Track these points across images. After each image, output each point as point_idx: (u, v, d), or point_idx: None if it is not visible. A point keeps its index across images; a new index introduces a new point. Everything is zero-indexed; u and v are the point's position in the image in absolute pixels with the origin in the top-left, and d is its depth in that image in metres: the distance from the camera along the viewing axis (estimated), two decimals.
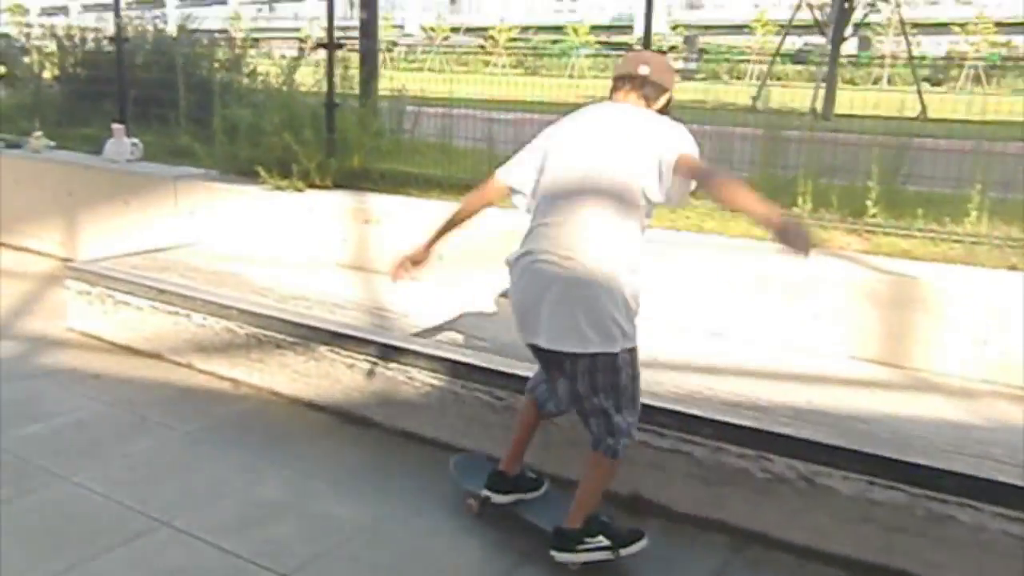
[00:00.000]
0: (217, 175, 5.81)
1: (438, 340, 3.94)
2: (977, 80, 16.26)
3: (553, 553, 2.73)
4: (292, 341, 4.03)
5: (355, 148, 5.57)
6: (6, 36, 17.41)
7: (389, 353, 3.74)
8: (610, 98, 2.80)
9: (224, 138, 5.86)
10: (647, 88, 2.74)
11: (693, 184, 2.65)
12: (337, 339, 3.90)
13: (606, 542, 2.71)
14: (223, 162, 5.86)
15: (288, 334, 4.04)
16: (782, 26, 18.08)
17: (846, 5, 14.89)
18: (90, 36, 9.43)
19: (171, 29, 9.78)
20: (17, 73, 9.31)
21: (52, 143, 6.91)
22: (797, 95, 13.70)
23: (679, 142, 2.61)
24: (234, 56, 8.17)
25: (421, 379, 3.65)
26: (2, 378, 4.17)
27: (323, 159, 5.38)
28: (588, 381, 2.62)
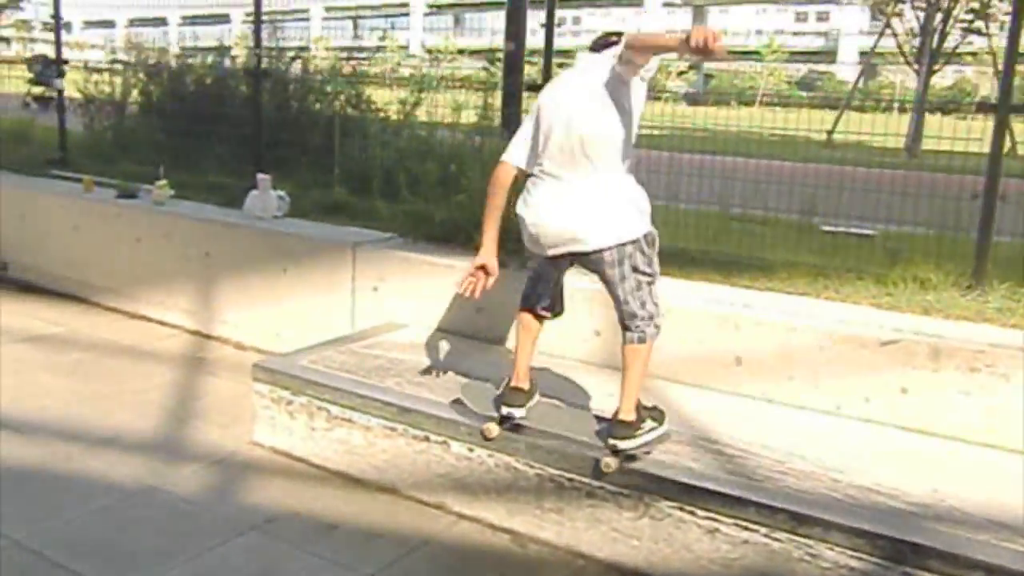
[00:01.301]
0: (403, 241, 4.78)
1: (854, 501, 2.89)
2: None
3: (615, 443, 2.98)
4: (614, 491, 3.02)
5: None
6: (42, 57, 16.43)
7: (782, 519, 2.74)
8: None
9: (408, 195, 4.85)
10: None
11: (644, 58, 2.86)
12: (691, 494, 2.89)
13: (653, 424, 3.09)
14: (407, 224, 4.84)
15: (608, 480, 3.02)
16: (863, 54, 17.18)
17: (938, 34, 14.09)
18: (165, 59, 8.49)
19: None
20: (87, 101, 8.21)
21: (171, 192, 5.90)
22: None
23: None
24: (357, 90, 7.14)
25: (835, 559, 2.64)
26: (207, 533, 3.12)
27: None
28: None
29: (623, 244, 2.99)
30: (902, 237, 4.87)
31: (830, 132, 12.37)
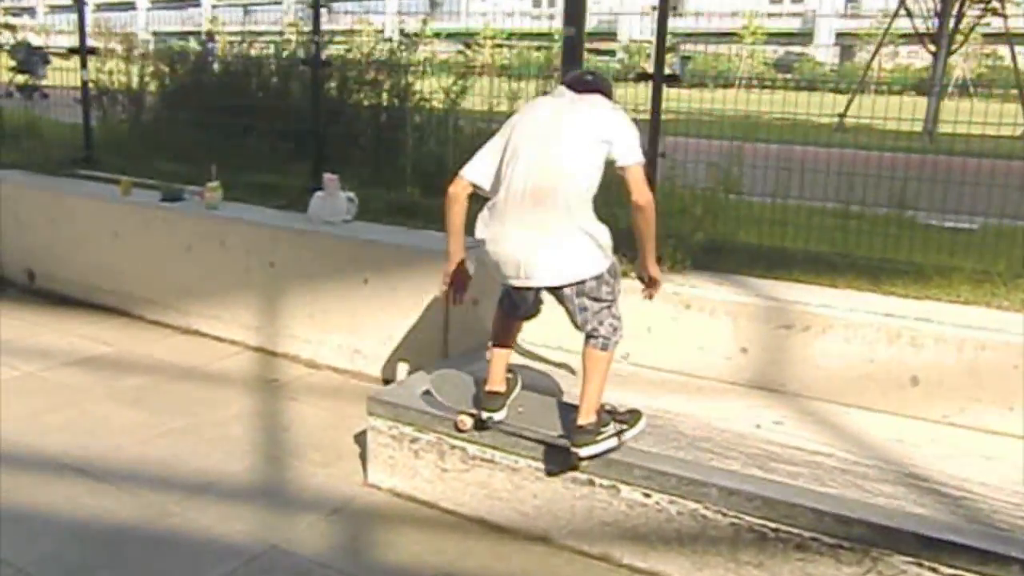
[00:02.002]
0: None
1: None
2: None
3: (575, 451, 2.86)
4: (832, 543, 2.61)
5: (688, 213, 4.14)
6: (25, 44, 15.61)
7: None
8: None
9: None
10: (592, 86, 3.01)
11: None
12: (933, 547, 2.49)
13: (620, 426, 2.94)
14: None
15: (823, 530, 2.61)
16: (903, 36, 16.76)
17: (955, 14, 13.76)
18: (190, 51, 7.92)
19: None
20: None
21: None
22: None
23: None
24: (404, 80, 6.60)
25: None
26: None
27: (686, 234, 3.93)
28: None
29: (582, 282, 2.88)
30: (1004, 232, 4.48)
31: (842, 116, 12.03)
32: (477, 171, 3.00)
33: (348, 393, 4.33)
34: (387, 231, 4.68)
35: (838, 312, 3.48)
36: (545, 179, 2.83)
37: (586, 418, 2.88)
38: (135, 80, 7.39)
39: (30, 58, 14.59)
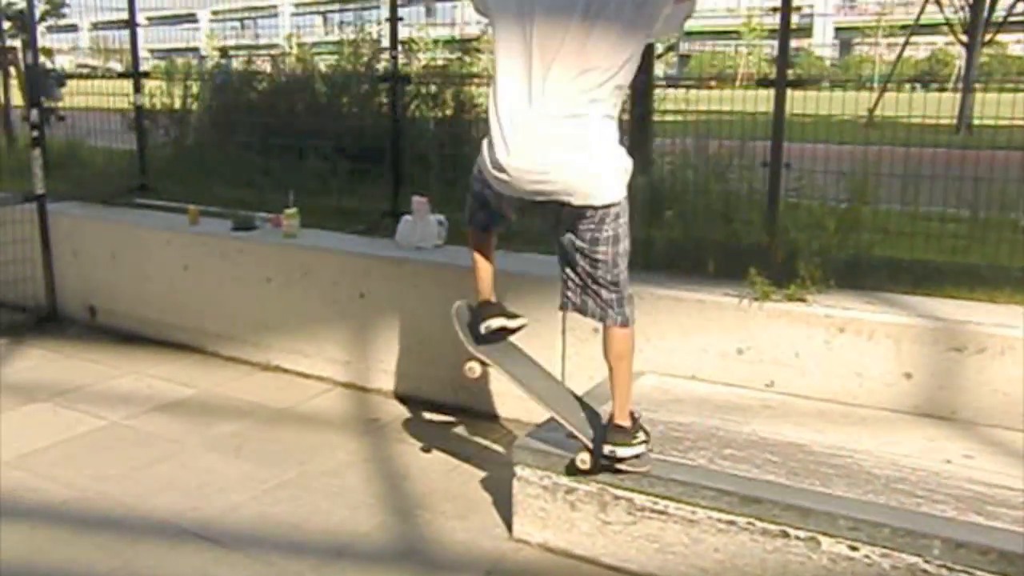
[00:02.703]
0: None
1: None
2: None
3: (614, 449, 2.77)
4: None
5: (820, 226, 3.85)
6: (44, 66, 15.28)
7: None
8: None
9: None
10: None
11: None
12: None
13: (644, 436, 2.82)
14: None
15: None
16: (903, 27, 16.54)
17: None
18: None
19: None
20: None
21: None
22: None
23: None
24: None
25: None
26: None
27: (823, 250, 3.64)
28: None
29: (612, 204, 2.71)
30: None
31: (871, 111, 11.78)
32: None
33: (457, 432, 4.06)
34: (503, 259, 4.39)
35: (1017, 332, 3.20)
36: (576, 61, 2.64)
37: (623, 418, 2.81)
38: (176, 101, 7.13)
39: (46, 80, 14.29)
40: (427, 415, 4.25)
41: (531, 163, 2.67)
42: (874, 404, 3.41)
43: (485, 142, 2.81)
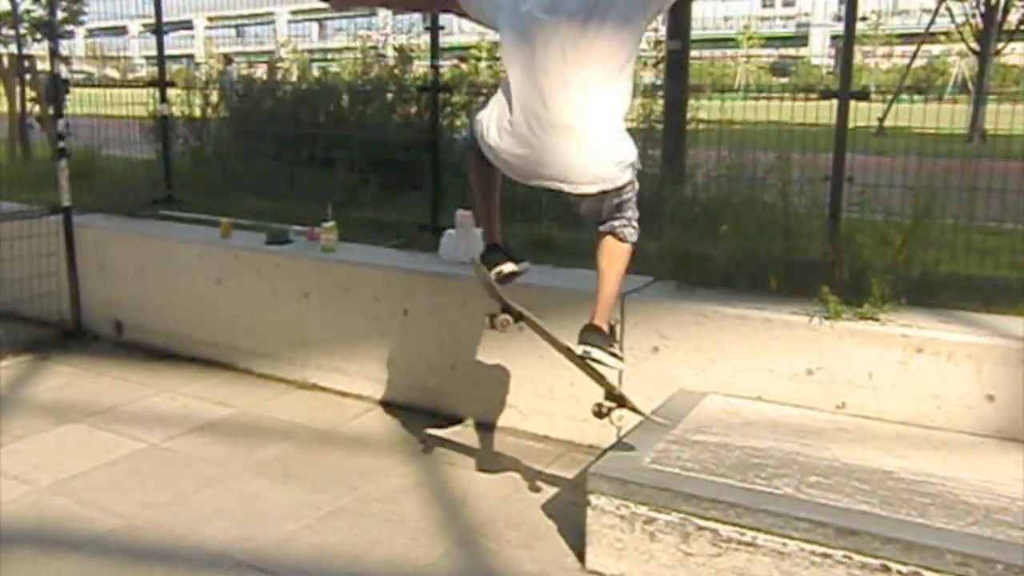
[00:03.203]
0: (675, 287, 3.92)
1: None
2: None
3: (589, 348, 2.91)
4: None
5: (887, 243, 3.72)
6: (47, 74, 15.06)
7: None
8: None
9: (675, 230, 3.98)
10: None
11: None
12: None
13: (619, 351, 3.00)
14: (673, 265, 3.98)
15: None
16: (900, 36, 16.53)
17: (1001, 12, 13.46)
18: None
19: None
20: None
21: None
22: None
23: None
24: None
25: None
26: None
27: (894, 267, 3.53)
28: None
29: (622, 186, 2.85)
30: None
31: (881, 120, 11.71)
32: None
33: (510, 453, 3.92)
34: (538, 273, 4.26)
35: None
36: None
37: (601, 321, 2.94)
38: (196, 109, 6.99)
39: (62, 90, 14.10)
40: (475, 436, 4.12)
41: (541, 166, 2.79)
42: (953, 427, 3.28)
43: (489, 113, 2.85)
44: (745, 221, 4.05)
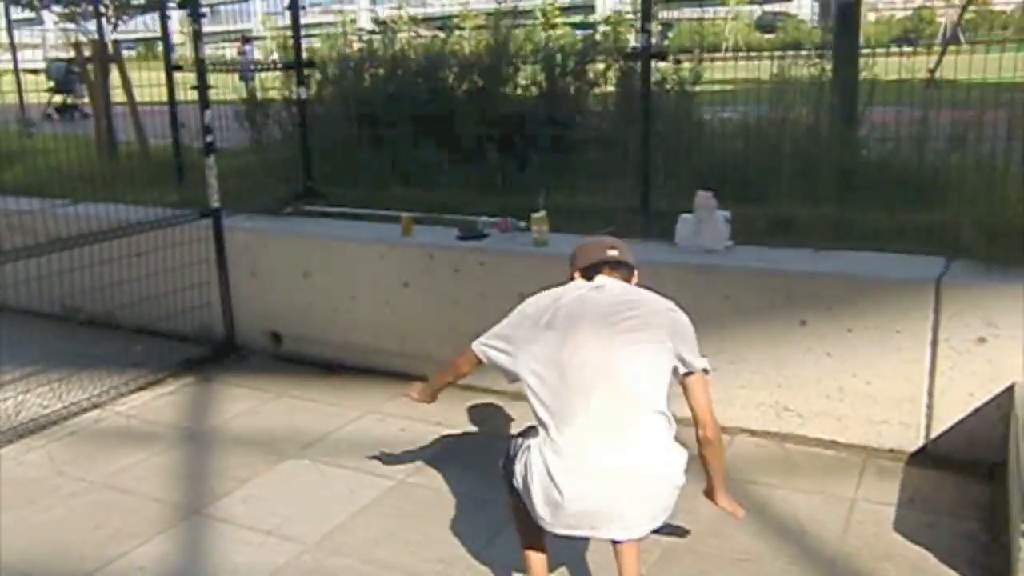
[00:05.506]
0: (998, 271, 3.40)
1: None
2: None
3: None
4: None
5: None
6: (63, 62, 14.24)
7: None
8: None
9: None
10: (623, 269, 2.56)
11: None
12: None
13: None
14: (979, 242, 3.51)
15: None
16: None
17: None
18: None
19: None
20: None
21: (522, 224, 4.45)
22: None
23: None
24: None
25: None
26: None
27: None
28: None
29: None
30: None
31: (932, 71, 11.28)
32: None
33: (805, 465, 3.47)
34: (806, 258, 3.77)
35: None
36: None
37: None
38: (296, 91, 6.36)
39: (68, 76, 13.35)
40: (749, 445, 3.65)
41: None
42: None
43: None
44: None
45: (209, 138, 4.54)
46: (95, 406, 4.20)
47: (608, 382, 2.25)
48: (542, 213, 4.15)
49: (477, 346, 2.58)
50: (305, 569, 2.85)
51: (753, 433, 3.72)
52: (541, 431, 2.28)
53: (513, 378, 2.46)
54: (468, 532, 3.03)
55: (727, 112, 5.42)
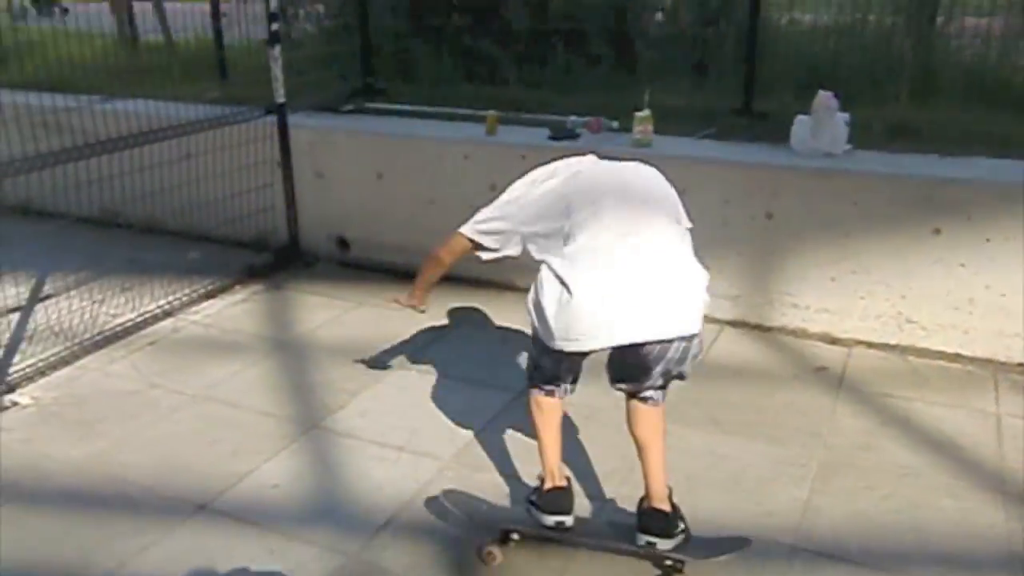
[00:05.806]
0: None
1: None
2: None
3: (659, 541, 2.26)
4: None
5: None
6: None
7: None
8: None
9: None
10: None
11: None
12: None
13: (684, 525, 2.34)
14: None
15: None
16: None
17: None
18: None
19: None
20: None
21: (615, 125, 4.20)
22: None
23: None
24: None
25: None
26: None
27: None
28: None
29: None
30: None
31: None
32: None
33: (937, 380, 3.37)
34: (935, 163, 3.58)
35: None
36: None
37: (664, 502, 2.30)
38: None
39: None
40: (869, 357, 3.54)
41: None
42: None
43: None
44: None
45: (275, 26, 4.16)
46: (167, 314, 3.95)
47: (620, 190, 2.24)
48: (646, 112, 3.89)
49: (468, 230, 2.44)
50: (451, 485, 2.70)
51: (871, 345, 3.60)
52: (553, 258, 2.14)
53: (507, 255, 2.40)
54: (621, 448, 2.89)
55: (795, 16, 5.16)
